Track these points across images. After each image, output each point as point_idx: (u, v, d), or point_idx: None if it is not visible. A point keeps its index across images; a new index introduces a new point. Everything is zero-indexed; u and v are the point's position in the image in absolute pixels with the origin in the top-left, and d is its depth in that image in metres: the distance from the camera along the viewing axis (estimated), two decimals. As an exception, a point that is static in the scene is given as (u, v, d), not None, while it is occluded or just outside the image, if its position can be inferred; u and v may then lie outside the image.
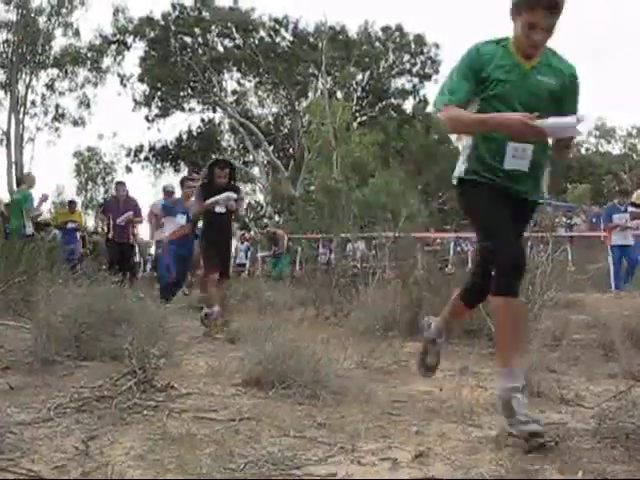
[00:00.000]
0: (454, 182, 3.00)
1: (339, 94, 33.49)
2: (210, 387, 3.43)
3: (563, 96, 2.84)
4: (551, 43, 2.81)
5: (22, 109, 31.32)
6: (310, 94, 34.30)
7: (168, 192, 10.39)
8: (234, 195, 6.78)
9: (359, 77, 35.07)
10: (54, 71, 32.16)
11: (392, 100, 35.91)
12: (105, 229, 11.47)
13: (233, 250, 16.09)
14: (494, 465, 2.29)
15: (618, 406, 2.67)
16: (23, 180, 11.62)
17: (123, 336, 3.60)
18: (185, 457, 2.30)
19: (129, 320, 4.09)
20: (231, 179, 6.87)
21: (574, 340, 5.21)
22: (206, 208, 6.68)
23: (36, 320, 4.02)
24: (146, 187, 47.19)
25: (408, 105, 36.23)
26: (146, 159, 35.49)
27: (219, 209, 6.65)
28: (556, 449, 2.42)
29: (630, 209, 11.20)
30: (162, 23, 32.93)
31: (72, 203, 14.35)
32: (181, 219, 9.83)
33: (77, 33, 31.78)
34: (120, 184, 11.47)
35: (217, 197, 6.61)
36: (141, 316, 4.26)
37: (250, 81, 34.91)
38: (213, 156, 36.10)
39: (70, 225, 13.09)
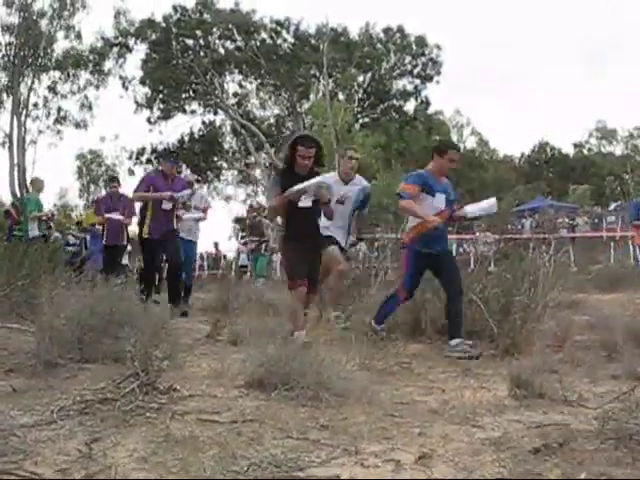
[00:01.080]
0: None
1: (340, 96, 33.55)
2: (213, 389, 3.43)
3: None
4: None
5: (24, 112, 31.41)
6: (312, 96, 34.36)
7: (189, 183, 9.16)
8: (324, 181, 5.17)
9: (360, 79, 35.13)
10: (56, 74, 32.28)
11: (394, 102, 35.95)
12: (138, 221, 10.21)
13: (235, 253, 15.58)
14: (497, 467, 2.29)
15: (621, 407, 2.67)
16: (31, 184, 11.62)
17: (126, 338, 3.61)
18: (188, 459, 2.30)
19: (131, 322, 4.09)
20: (317, 162, 5.20)
21: (577, 341, 5.21)
22: (287, 200, 5.08)
23: (39, 323, 4.03)
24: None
25: (410, 106, 36.29)
26: (148, 161, 35.55)
27: (304, 202, 5.08)
28: (559, 450, 2.42)
29: None
30: (163, 25, 33.04)
31: None
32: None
33: (79, 36, 31.91)
34: (170, 156, 8.80)
35: (305, 183, 4.99)
36: (143, 318, 4.27)
37: (251, 83, 35.03)
38: (215, 158, 36.25)
39: (98, 227, 11.43)
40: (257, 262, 13.34)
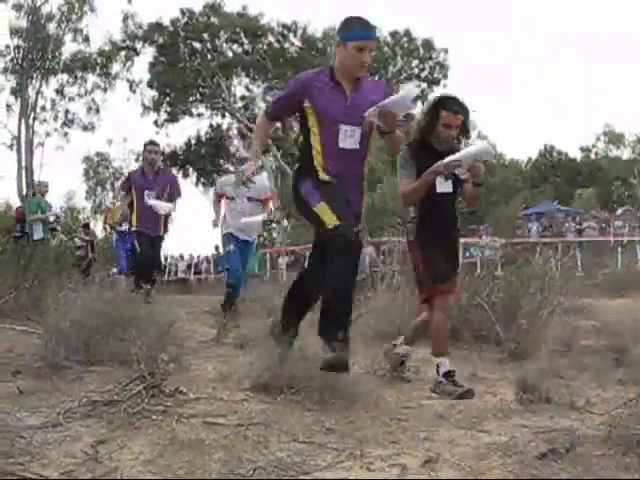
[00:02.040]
0: None
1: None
2: (219, 392, 3.43)
3: None
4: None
5: (32, 114, 31.54)
6: (318, 99, 34.34)
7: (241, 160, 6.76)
8: (490, 149, 3.93)
9: (367, 82, 35.11)
10: (64, 77, 32.39)
11: (400, 105, 35.90)
12: None
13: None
14: (503, 471, 2.28)
15: (629, 413, 2.66)
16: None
17: (132, 341, 3.60)
18: (194, 462, 2.30)
19: (138, 325, 4.10)
20: (461, 134, 3.92)
21: (583, 346, 5.19)
22: (431, 181, 3.80)
23: (46, 325, 4.04)
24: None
25: (416, 110, 36.26)
26: (154, 164, 35.55)
27: (444, 186, 3.83)
28: (566, 456, 2.40)
29: None
30: (171, 29, 33.11)
31: None
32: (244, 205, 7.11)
33: (87, 39, 32.01)
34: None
35: (466, 150, 3.72)
36: (150, 321, 4.27)
37: (259, 86, 35.01)
38: (221, 161, 36.31)
39: (123, 225, 10.14)
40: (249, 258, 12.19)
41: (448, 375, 3.71)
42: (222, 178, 7.67)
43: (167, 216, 7.70)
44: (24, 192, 28.95)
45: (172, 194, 7.58)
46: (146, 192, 7.35)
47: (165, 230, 7.67)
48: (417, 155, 3.88)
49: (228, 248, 7.14)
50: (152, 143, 7.79)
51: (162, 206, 7.35)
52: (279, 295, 8.13)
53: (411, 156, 3.90)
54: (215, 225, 7.36)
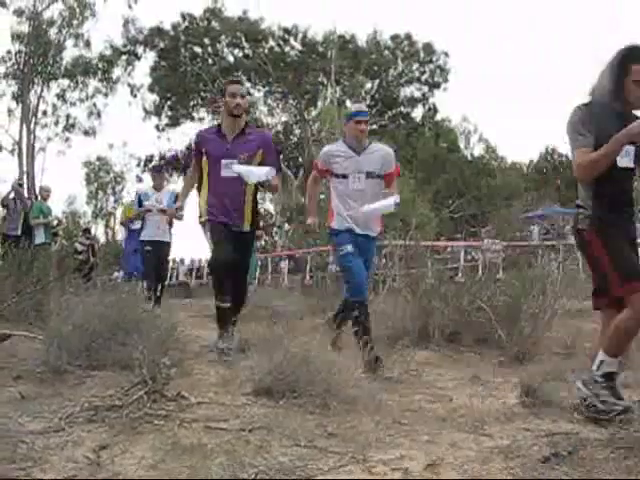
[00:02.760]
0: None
1: (348, 103, 33.59)
2: (221, 396, 3.42)
3: None
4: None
5: (33, 119, 31.65)
6: (319, 103, 34.43)
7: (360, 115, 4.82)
8: None
9: (368, 86, 35.19)
10: (65, 82, 32.53)
11: (401, 109, 36.00)
12: None
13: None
14: (506, 475, 2.27)
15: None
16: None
17: (134, 345, 3.60)
18: (196, 467, 2.29)
19: (140, 329, 4.09)
20: None
21: (586, 349, 5.18)
22: (617, 152, 2.98)
23: (47, 330, 4.03)
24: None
25: (417, 113, 36.35)
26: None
27: (624, 160, 3.06)
28: (568, 459, 2.40)
29: None
30: (172, 33, 33.24)
31: None
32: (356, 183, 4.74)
33: (88, 44, 32.19)
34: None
35: None
36: (152, 325, 4.27)
37: (259, 90, 35.11)
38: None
39: (136, 224, 8.84)
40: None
41: (609, 378, 3.04)
42: (328, 147, 5.03)
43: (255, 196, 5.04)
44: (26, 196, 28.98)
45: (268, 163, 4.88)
46: (223, 162, 4.84)
47: (254, 224, 5.07)
48: (598, 119, 3.02)
49: (343, 249, 4.70)
50: (234, 82, 5.14)
51: (257, 173, 4.73)
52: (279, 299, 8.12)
53: (591, 120, 3.03)
54: (314, 225, 5.04)
